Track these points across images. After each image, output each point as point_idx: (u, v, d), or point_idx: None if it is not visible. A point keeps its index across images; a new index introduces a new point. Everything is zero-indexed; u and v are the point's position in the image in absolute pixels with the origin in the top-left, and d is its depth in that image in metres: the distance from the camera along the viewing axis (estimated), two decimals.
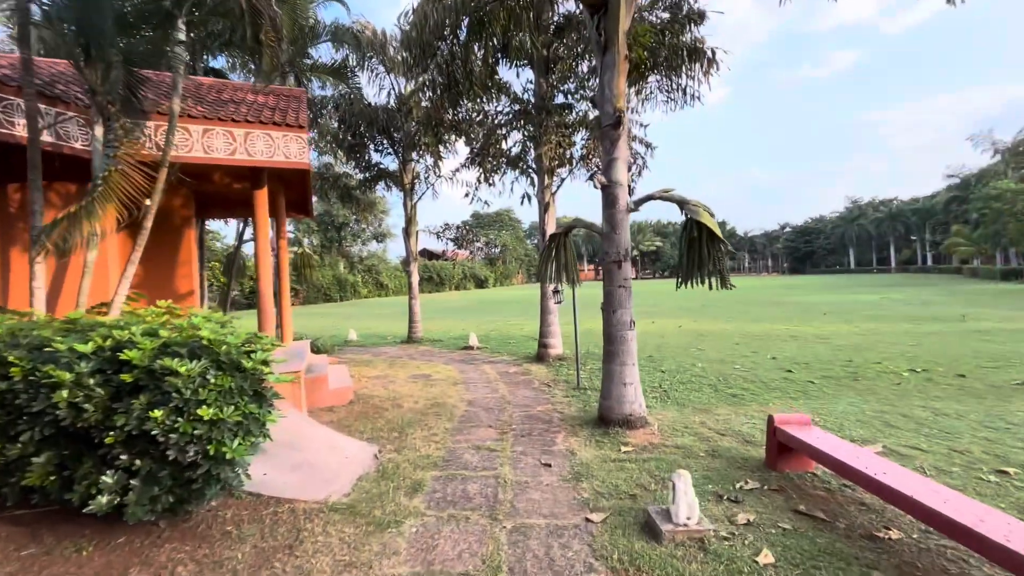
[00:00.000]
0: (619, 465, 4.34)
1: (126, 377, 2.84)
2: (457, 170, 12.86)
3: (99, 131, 4.91)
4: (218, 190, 8.33)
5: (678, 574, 2.74)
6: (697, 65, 8.37)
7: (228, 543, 3.05)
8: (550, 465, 4.43)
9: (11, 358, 2.88)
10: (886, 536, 3.10)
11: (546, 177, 10.12)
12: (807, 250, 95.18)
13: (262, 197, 6.94)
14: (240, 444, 2.94)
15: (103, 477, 2.84)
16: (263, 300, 7.09)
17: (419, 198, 14.35)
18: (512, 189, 11.77)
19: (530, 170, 10.97)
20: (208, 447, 2.83)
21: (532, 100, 10.21)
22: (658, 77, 8.99)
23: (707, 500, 3.61)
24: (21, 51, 4.61)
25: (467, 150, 11.78)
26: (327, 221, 43.44)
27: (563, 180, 10.75)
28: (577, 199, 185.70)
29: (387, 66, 12.65)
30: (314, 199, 14.93)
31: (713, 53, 8.23)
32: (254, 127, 6.25)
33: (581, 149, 10.63)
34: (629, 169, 6.31)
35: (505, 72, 10.36)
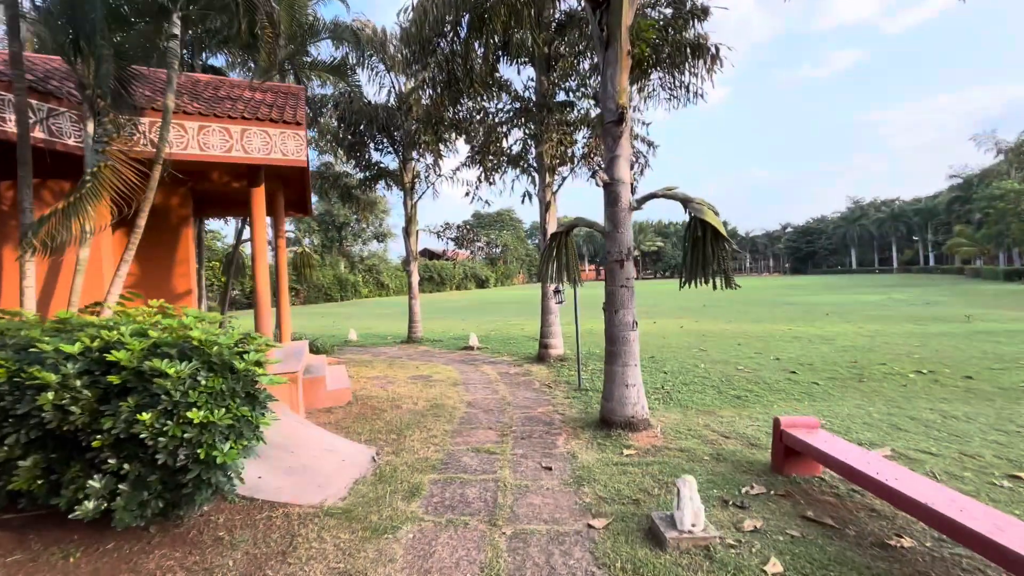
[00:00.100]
0: (622, 469, 4.25)
1: (114, 379, 2.76)
2: (457, 169, 12.79)
3: (91, 127, 4.82)
4: (216, 188, 8.25)
5: None
6: (700, 62, 8.28)
7: (220, 549, 2.96)
8: (551, 468, 4.33)
9: None
10: (898, 544, 3.00)
11: (547, 175, 10.02)
12: (809, 250, 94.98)
13: (259, 195, 6.87)
14: (232, 448, 2.86)
15: (90, 481, 2.76)
16: (260, 300, 7.02)
17: (419, 197, 14.28)
18: (513, 188, 11.70)
19: (531, 168, 10.88)
20: (198, 451, 2.74)
21: (533, 98, 10.11)
22: (661, 74, 8.90)
23: (712, 505, 3.52)
24: (11, 45, 4.53)
25: (467, 148, 11.67)
26: (328, 221, 43.42)
27: (564, 179, 10.67)
28: (579, 198, 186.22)
29: (387, 64, 12.58)
30: (314, 198, 14.89)
31: (717, 49, 8.14)
32: (251, 124, 6.17)
33: (583, 147, 10.54)
34: (631, 167, 6.20)
35: (506, 69, 10.30)
